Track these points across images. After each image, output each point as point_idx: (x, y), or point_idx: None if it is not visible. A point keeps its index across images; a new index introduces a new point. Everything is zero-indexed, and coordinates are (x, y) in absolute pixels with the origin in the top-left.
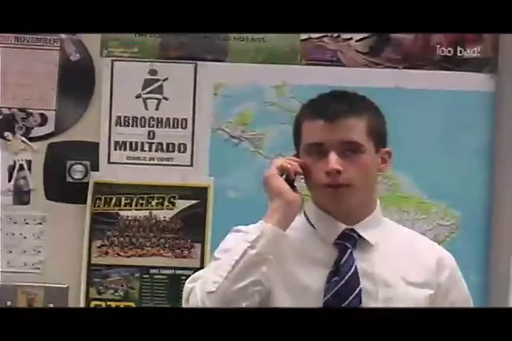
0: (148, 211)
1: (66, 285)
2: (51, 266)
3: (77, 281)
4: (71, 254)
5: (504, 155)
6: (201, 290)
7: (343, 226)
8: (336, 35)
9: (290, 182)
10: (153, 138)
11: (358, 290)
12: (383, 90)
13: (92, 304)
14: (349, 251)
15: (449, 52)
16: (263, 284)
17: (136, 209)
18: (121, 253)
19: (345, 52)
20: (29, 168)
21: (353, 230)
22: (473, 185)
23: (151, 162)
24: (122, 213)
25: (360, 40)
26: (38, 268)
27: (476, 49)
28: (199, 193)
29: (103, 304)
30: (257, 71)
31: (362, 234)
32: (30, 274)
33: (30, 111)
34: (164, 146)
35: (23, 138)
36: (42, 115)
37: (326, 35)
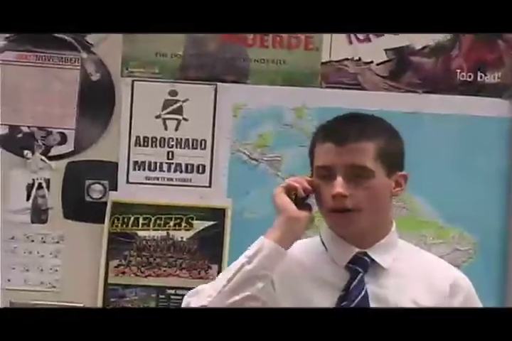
0: (165, 231)
1: (82, 305)
2: (68, 284)
3: (94, 300)
4: (88, 273)
5: None
6: (196, 303)
7: (355, 250)
8: (356, 58)
9: (299, 200)
10: (172, 159)
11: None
12: (403, 114)
13: None
14: (360, 275)
15: (469, 77)
16: (259, 299)
17: (153, 230)
18: (138, 273)
19: (365, 76)
20: (48, 187)
21: (365, 254)
22: (491, 210)
23: (170, 182)
24: (140, 233)
25: (381, 63)
26: (55, 287)
27: (496, 74)
28: (217, 214)
29: None
30: (277, 93)
31: (375, 257)
32: (47, 293)
33: (50, 129)
34: (183, 167)
35: (43, 157)
36: (61, 134)
37: (347, 59)
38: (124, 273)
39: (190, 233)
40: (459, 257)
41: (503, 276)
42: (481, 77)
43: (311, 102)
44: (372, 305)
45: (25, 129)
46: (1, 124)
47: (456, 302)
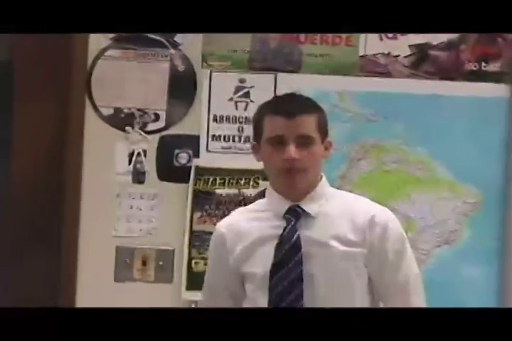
0: (237, 189)
1: (172, 248)
2: (161, 232)
3: (182, 244)
4: (177, 223)
5: None
6: None
7: (290, 203)
8: (386, 52)
9: None
10: (242, 132)
11: (299, 253)
12: (423, 96)
13: (193, 262)
14: (292, 222)
15: (475, 66)
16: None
17: (228, 188)
18: (216, 223)
19: (393, 66)
20: (144, 155)
21: (297, 205)
22: (493, 171)
23: (240, 151)
24: (217, 191)
25: (406, 56)
26: (151, 234)
27: (496, 64)
28: None
29: (202, 262)
30: (324, 80)
31: (304, 207)
32: (145, 238)
33: (146, 110)
34: (251, 139)
35: (141, 132)
36: (155, 113)
37: (379, 53)
38: (205, 222)
39: (257, 190)
40: (467, 208)
41: (502, 221)
42: (484, 67)
43: (351, 87)
44: (304, 246)
45: (126, 110)
46: (108, 106)
47: (374, 234)
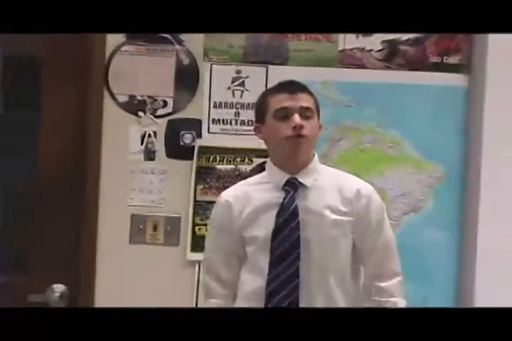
0: (234, 165)
1: (179, 216)
2: (169, 202)
3: (187, 212)
4: (183, 194)
5: (474, 128)
6: None
7: (288, 176)
8: (362, 47)
9: None
10: (238, 117)
11: (297, 220)
12: (393, 85)
13: (196, 228)
14: (291, 193)
15: (438, 59)
16: None
17: (226, 164)
18: (216, 194)
19: (368, 59)
20: (155, 136)
21: (294, 178)
22: (453, 149)
23: (237, 132)
24: (217, 167)
25: (378, 51)
26: (161, 204)
27: (456, 57)
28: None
29: (204, 228)
30: (309, 72)
31: (301, 180)
32: (155, 208)
33: (156, 97)
34: (246, 122)
35: (151, 116)
36: (164, 101)
37: (356, 48)
38: (206, 193)
39: (251, 166)
40: (432, 181)
41: (461, 192)
42: (445, 59)
43: (332, 78)
44: (301, 214)
45: (139, 97)
46: (123, 94)
47: (360, 205)
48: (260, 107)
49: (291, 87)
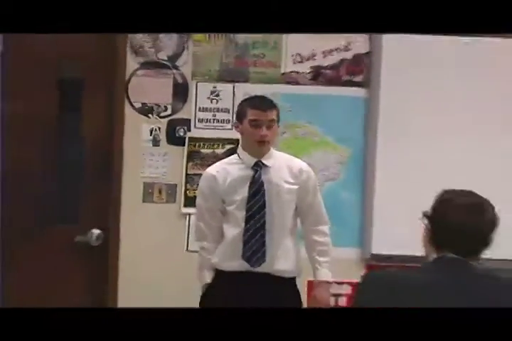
0: (212, 150)
1: (176, 183)
2: (169, 174)
3: (181, 181)
4: (178, 169)
5: (372, 123)
6: None
7: (255, 159)
8: (297, 71)
9: None
10: (215, 117)
11: (263, 189)
12: (318, 95)
13: (187, 192)
14: (258, 171)
15: (348, 78)
16: None
17: (207, 149)
18: (201, 169)
19: (301, 79)
20: (159, 130)
21: (260, 160)
22: (357, 136)
23: (214, 128)
24: (201, 150)
25: (308, 73)
26: (163, 175)
27: (360, 77)
28: (236, 141)
29: (193, 192)
30: (263, 87)
31: (264, 162)
32: (160, 178)
33: (160, 104)
34: (220, 120)
35: (157, 117)
36: (165, 106)
37: (293, 71)
38: (194, 168)
39: (223, 150)
40: (342, 159)
41: (362, 166)
42: (353, 78)
43: (278, 91)
44: (265, 185)
45: (148, 104)
46: (138, 102)
47: (302, 178)
48: (240, 112)
49: (264, 105)
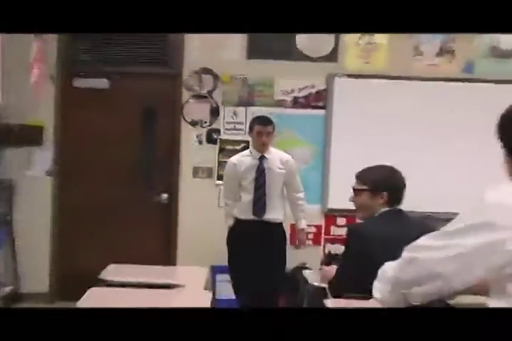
0: (233, 146)
1: (211, 166)
2: (208, 161)
3: (215, 165)
4: (214, 158)
5: (328, 131)
6: None
7: (260, 153)
8: (284, 99)
9: None
10: (235, 127)
11: (264, 172)
12: (297, 114)
13: (219, 172)
14: (262, 161)
15: (315, 104)
16: None
17: (231, 146)
18: (226, 159)
19: (286, 103)
20: (202, 135)
21: (263, 155)
22: (319, 138)
23: (234, 133)
24: (226, 147)
25: (290, 101)
26: (206, 162)
27: (322, 102)
28: (247, 142)
29: (221, 172)
30: (266, 110)
31: (266, 156)
32: (203, 163)
33: (202, 120)
34: (238, 129)
35: (200, 127)
36: (205, 121)
37: (282, 99)
38: (223, 158)
39: (239, 147)
40: (311, 153)
41: (323, 156)
42: (319, 104)
43: (273, 112)
44: (266, 170)
45: (195, 120)
46: (189, 119)
47: (288, 165)
48: (251, 126)
49: (265, 122)
